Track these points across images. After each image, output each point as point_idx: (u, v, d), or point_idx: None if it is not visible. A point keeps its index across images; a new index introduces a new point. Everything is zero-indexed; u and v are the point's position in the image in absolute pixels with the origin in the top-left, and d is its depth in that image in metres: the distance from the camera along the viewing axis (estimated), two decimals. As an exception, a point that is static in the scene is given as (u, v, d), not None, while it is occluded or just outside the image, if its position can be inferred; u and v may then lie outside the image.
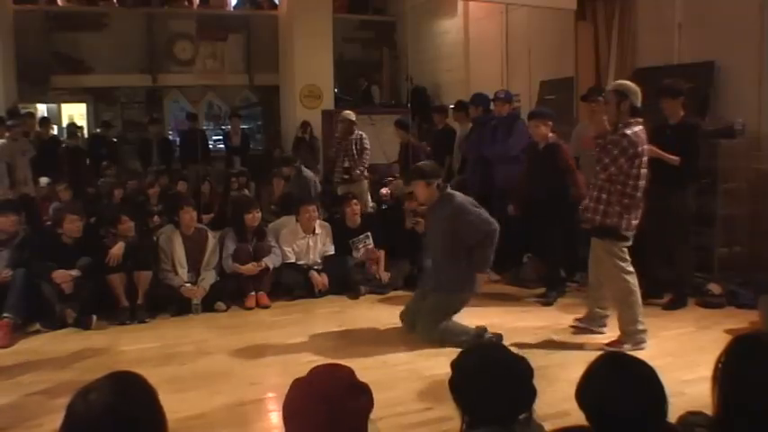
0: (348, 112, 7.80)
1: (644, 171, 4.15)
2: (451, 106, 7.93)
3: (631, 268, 4.28)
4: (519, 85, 8.70)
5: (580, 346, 4.36)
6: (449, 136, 7.67)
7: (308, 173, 7.68)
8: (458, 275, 4.50)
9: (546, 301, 5.42)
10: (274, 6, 11.76)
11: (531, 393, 1.80)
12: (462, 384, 1.85)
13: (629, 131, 4.07)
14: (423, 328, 4.50)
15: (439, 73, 10.86)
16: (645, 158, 4.15)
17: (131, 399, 1.41)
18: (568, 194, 5.32)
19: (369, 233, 6.09)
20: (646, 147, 4.17)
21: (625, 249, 4.28)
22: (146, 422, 1.41)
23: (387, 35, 12.33)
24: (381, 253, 6.08)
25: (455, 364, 1.90)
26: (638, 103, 4.17)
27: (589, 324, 4.62)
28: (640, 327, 4.24)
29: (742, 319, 4.68)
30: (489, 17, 9.47)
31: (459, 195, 4.57)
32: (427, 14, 11.13)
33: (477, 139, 6.79)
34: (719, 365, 1.71)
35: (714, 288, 5.27)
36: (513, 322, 5.00)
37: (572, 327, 4.69)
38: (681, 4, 6.57)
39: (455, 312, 4.55)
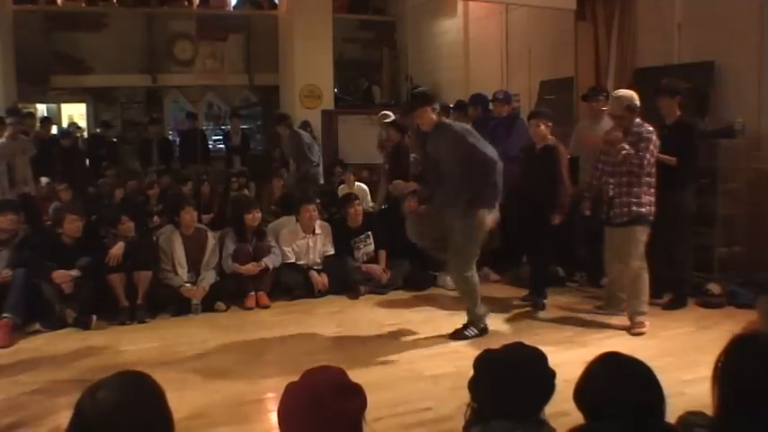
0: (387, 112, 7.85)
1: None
2: (451, 106, 7.93)
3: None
4: (519, 85, 8.70)
5: (580, 346, 4.36)
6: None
7: (303, 132, 7.82)
8: (463, 192, 4.40)
9: (537, 305, 5.31)
10: (274, 6, 11.77)
11: (549, 392, 1.86)
12: (484, 381, 1.87)
13: (647, 126, 4.66)
14: (453, 269, 4.69)
15: (439, 73, 10.86)
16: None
17: (140, 397, 1.41)
18: (561, 199, 5.23)
19: (369, 233, 6.10)
20: None
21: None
22: (154, 420, 1.41)
23: (387, 35, 12.32)
24: (382, 253, 6.07)
25: (478, 364, 1.92)
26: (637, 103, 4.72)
27: (609, 308, 5.06)
28: (646, 309, 4.75)
29: (742, 319, 4.65)
30: (489, 17, 9.47)
31: (457, 124, 4.56)
32: (427, 14, 11.13)
33: (477, 139, 6.79)
34: (718, 366, 1.71)
35: (714, 288, 5.27)
36: (513, 322, 5.01)
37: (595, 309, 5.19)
38: (681, 4, 6.57)
39: (478, 240, 4.56)
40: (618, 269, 4.88)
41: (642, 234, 4.70)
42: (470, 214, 4.41)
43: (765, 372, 1.64)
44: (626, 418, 1.66)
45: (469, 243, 4.51)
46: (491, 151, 4.40)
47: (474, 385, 1.92)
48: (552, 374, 1.89)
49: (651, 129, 4.65)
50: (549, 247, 5.42)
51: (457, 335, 4.57)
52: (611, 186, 4.73)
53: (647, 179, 4.65)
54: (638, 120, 4.67)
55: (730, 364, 1.70)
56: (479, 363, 1.96)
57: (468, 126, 4.54)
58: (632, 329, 4.65)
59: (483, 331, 4.61)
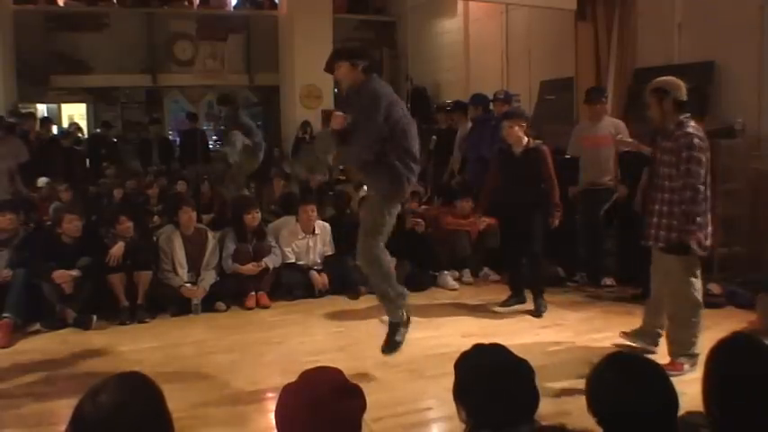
0: None
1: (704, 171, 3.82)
2: (448, 108, 7.95)
3: (700, 285, 3.96)
4: (519, 85, 8.71)
5: (580, 347, 4.36)
6: (452, 136, 7.67)
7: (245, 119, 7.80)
8: (380, 174, 3.75)
9: (537, 313, 5.15)
10: (274, 6, 11.77)
11: (534, 398, 1.78)
12: (464, 387, 1.84)
13: (689, 129, 3.74)
14: (358, 250, 3.88)
15: (439, 73, 10.87)
16: (708, 155, 3.82)
17: (139, 398, 1.42)
18: (547, 201, 5.10)
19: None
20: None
21: (698, 263, 3.94)
22: (154, 421, 1.42)
23: (387, 35, 12.32)
24: None
25: (457, 367, 1.89)
26: (684, 97, 3.84)
27: (641, 339, 4.21)
28: (696, 350, 3.86)
29: (742, 319, 4.68)
30: (489, 17, 9.48)
31: (377, 81, 3.84)
32: (427, 14, 11.14)
33: (477, 139, 6.80)
34: (706, 369, 1.72)
35: (714, 288, 5.27)
36: (514, 322, 5.01)
37: (622, 335, 4.30)
38: (681, 4, 6.58)
39: (383, 224, 3.83)
40: (657, 295, 4.14)
41: (687, 263, 3.89)
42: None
43: (749, 372, 1.65)
44: (642, 418, 1.64)
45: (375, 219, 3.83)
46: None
47: (459, 397, 1.85)
48: (531, 377, 1.82)
49: (700, 134, 3.76)
50: (541, 249, 5.27)
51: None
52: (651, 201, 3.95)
53: (689, 194, 3.76)
54: (683, 118, 3.79)
55: (717, 366, 1.71)
56: (458, 387, 1.87)
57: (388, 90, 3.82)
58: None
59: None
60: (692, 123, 3.80)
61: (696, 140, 3.72)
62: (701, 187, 3.74)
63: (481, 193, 5.65)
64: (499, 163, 5.36)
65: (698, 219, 3.75)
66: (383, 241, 3.86)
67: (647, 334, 4.21)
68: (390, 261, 3.98)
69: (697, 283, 3.92)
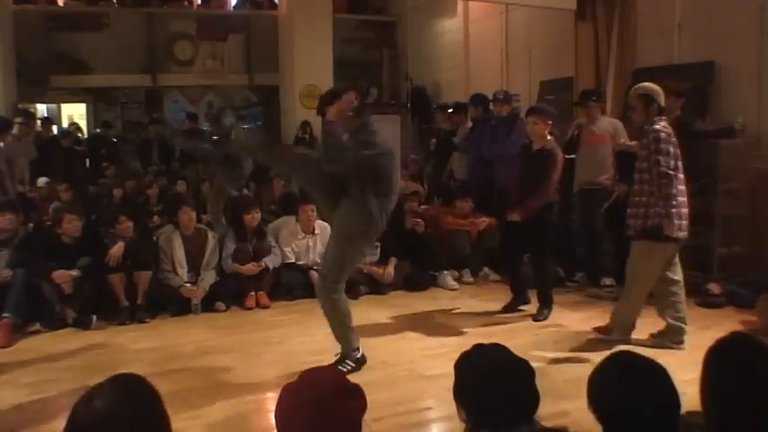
0: None
1: (679, 164, 4.11)
2: (450, 110, 7.94)
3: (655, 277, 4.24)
4: (519, 85, 8.70)
5: (580, 346, 4.36)
6: (452, 136, 7.66)
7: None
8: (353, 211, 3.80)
9: (539, 318, 5.05)
10: (274, 6, 11.77)
11: (534, 398, 1.78)
12: (464, 387, 1.84)
13: (656, 126, 4.10)
14: (319, 288, 4.00)
15: (439, 73, 10.86)
16: (677, 152, 4.10)
17: (135, 403, 1.41)
18: (533, 200, 4.95)
19: (378, 243, 6.00)
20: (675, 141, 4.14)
21: (664, 257, 4.20)
22: (149, 424, 1.42)
23: (387, 35, 12.31)
24: (393, 260, 5.99)
25: (457, 367, 1.89)
26: (663, 103, 4.24)
27: (664, 339, 4.30)
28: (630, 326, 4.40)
29: (741, 319, 4.68)
30: (489, 17, 9.47)
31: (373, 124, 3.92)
32: (427, 14, 11.13)
33: (477, 138, 6.80)
34: (705, 369, 1.72)
35: (714, 288, 5.27)
36: (514, 322, 5.00)
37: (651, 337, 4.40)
38: (681, 4, 6.57)
39: (353, 261, 4.02)
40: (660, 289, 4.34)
41: (653, 251, 4.20)
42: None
43: (743, 373, 1.65)
44: (643, 417, 1.64)
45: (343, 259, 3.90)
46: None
47: (459, 397, 1.85)
48: (531, 377, 1.82)
49: (664, 130, 4.07)
50: (548, 254, 5.23)
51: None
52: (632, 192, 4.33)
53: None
54: (655, 119, 4.13)
55: (715, 365, 1.71)
56: (458, 383, 1.87)
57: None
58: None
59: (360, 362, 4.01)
60: (661, 123, 4.15)
61: (662, 134, 4.07)
62: (672, 173, 4.04)
63: (510, 191, 5.46)
64: (520, 160, 5.25)
65: (674, 202, 4.05)
66: (345, 280, 3.96)
67: (672, 331, 4.31)
68: (347, 301, 4.03)
69: (659, 275, 4.24)
